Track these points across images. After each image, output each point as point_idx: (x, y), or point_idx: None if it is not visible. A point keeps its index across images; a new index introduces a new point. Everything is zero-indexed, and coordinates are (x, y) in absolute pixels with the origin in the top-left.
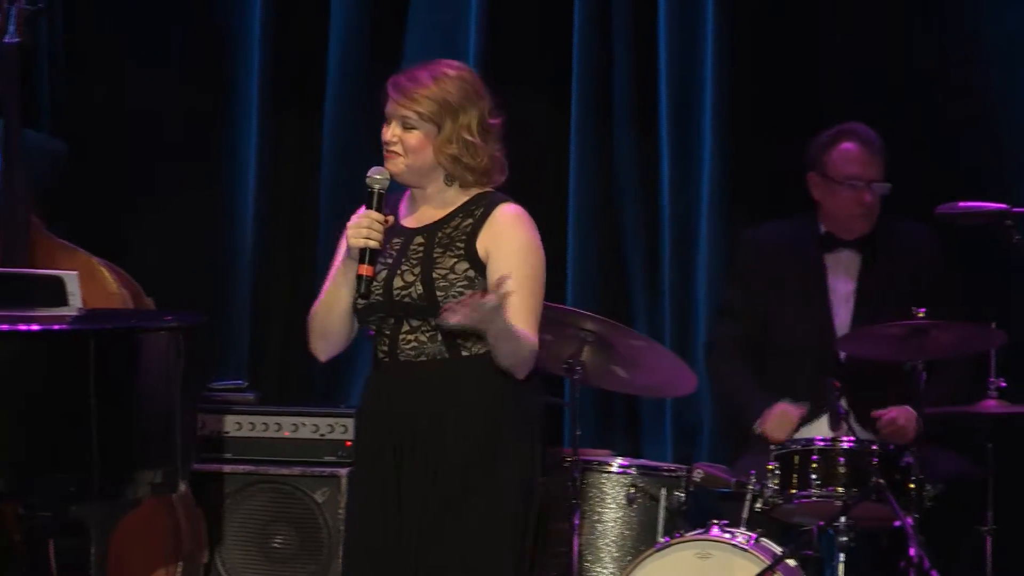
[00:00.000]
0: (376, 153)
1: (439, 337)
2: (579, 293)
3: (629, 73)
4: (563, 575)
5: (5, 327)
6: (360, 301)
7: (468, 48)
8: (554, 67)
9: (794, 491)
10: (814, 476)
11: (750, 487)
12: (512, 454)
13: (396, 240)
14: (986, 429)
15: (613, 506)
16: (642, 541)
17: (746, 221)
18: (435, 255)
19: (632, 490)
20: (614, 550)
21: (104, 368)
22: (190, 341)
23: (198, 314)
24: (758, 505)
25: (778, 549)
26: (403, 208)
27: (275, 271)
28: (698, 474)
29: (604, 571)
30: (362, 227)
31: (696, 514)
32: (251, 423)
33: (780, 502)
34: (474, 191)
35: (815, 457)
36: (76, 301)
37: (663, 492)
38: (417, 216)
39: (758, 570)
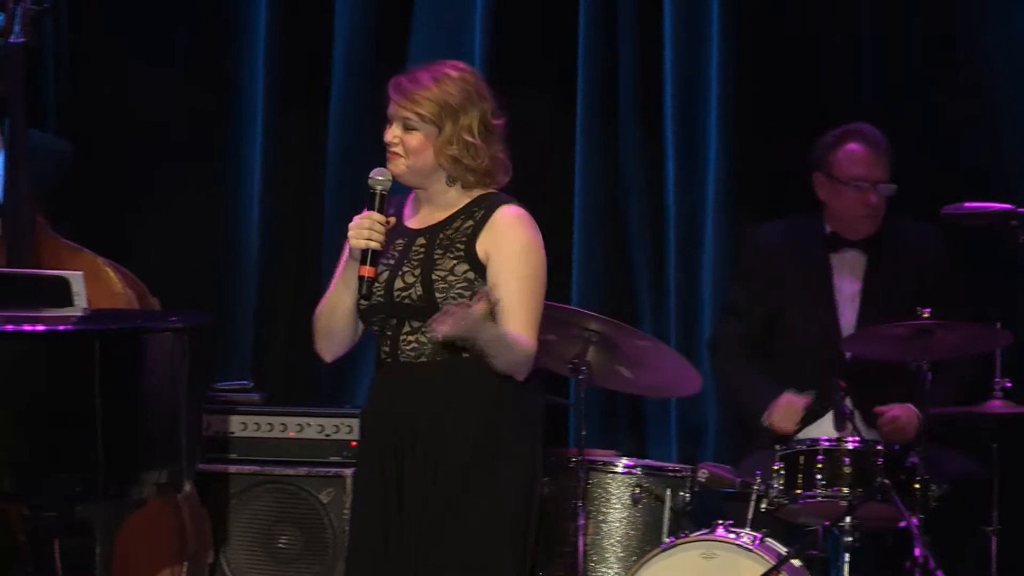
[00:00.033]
0: (381, 153)
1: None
2: (584, 293)
3: (634, 73)
4: (568, 575)
5: (10, 327)
6: (362, 302)
7: (473, 48)
8: (559, 67)
9: (799, 491)
10: (819, 476)
11: (755, 487)
12: (512, 454)
13: (399, 241)
14: (991, 429)
15: (618, 506)
16: (647, 541)
17: (751, 221)
18: (435, 257)
19: (637, 490)
20: (619, 550)
21: (109, 368)
22: (195, 341)
23: (203, 314)
24: (763, 505)
25: (783, 549)
26: (408, 209)
27: (280, 271)
28: (703, 474)
29: (609, 571)
30: (363, 228)
31: (701, 514)
32: (256, 423)
33: (785, 502)
34: (477, 192)
35: (820, 457)
36: (81, 301)
37: (668, 492)
38: (421, 217)
39: (763, 570)
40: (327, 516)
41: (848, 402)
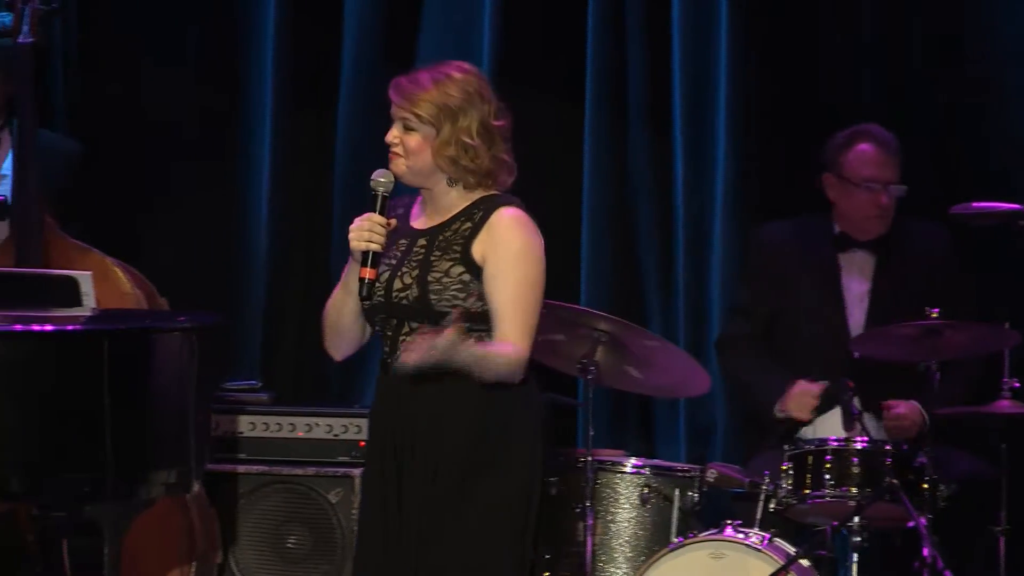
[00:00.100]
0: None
1: (450, 323)
2: (593, 293)
3: (643, 73)
4: (577, 575)
5: (19, 327)
6: (365, 303)
7: (482, 48)
8: (568, 67)
9: (808, 491)
10: (828, 476)
11: (764, 487)
12: (512, 454)
13: (403, 241)
14: (1000, 429)
15: (627, 506)
16: (656, 541)
17: (760, 221)
18: (433, 258)
19: (646, 490)
20: (628, 550)
21: (118, 368)
22: (204, 341)
23: (212, 314)
24: (772, 505)
25: (792, 549)
26: (415, 209)
27: (289, 271)
28: (712, 474)
29: (618, 571)
30: (363, 230)
31: (710, 514)
32: (265, 423)
33: (794, 502)
34: (478, 194)
35: (829, 457)
36: (90, 301)
37: (677, 492)
38: (425, 218)
39: (772, 570)
40: (336, 516)
41: (856, 402)
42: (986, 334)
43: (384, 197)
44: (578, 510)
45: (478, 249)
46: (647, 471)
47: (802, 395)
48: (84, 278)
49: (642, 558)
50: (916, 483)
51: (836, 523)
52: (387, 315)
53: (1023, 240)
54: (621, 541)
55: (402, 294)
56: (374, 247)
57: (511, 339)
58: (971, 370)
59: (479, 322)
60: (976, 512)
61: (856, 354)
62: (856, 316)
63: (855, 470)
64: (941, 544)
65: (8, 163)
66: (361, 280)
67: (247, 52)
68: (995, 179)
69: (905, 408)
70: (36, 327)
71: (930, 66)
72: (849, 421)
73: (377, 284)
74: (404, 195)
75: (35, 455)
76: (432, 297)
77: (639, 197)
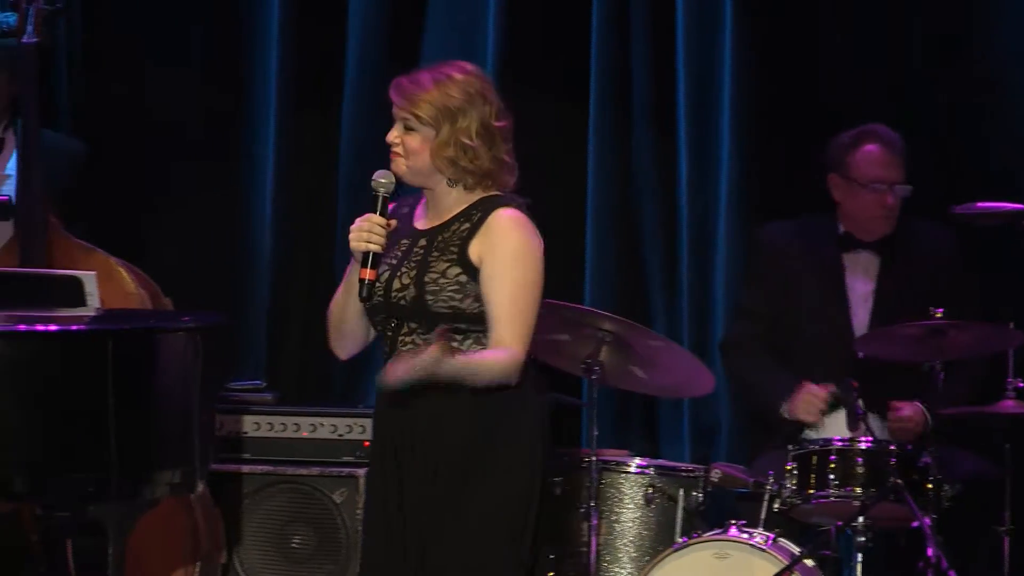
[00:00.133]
0: None
1: (434, 339)
2: (597, 293)
3: (647, 73)
4: (581, 575)
5: (23, 327)
6: (365, 304)
7: (486, 48)
8: (572, 67)
9: (812, 491)
10: (832, 476)
11: (768, 487)
12: (510, 455)
13: (405, 241)
14: (1004, 429)
15: (631, 506)
16: (660, 541)
17: (764, 221)
18: (430, 259)
19: (650, 490)
20: (632, 550)
21: (122, 368)
22: (208, 341)
23: (216, 314)
24: (776, 505)
25: (796, 549)
26: (419, 210)
27: (293, 271)
28: (716, 474)
29: (622, 571)
30: (363, 231)
31: (714, 514)
32: (269, 423)
33: (798, 502)
34: (478, 194)
35: (833, 457)
36: (94, 301)
37: (681, 492)
38: (427, 219)
39: (776, 570)
40: (340, 516)
41: (861, 402)
42: (990, 334)
43: (385, 198)
44: (582, 510)
45: (475, 250)
46: (651, 471)
47: (809, 398)
48: (88, 278)
49: (646, 558)
50: (920, 483)
51: (840, 523)
52: (387, 315)
53: None
54: (625, 541)
55: (400, 294)
56: (373, 248)
57: (505, 341)
58: (975, 370)
59: (476, 323)
60: (980, 512)
61: (860, 354)
62: (860, 316)
63: (859, 470)
64: (945, 544)
65: (12, 163)
66: (361, 281)
67: (251, 52)
68: (997, 179)
69: (909, 410)
70: (40, 327)
71: (930, 66)
72: (853, 421)
73: (377, 284)
74: (410, 195)
75: (39, 455)
76: (428, 298)
77: (643, 197)
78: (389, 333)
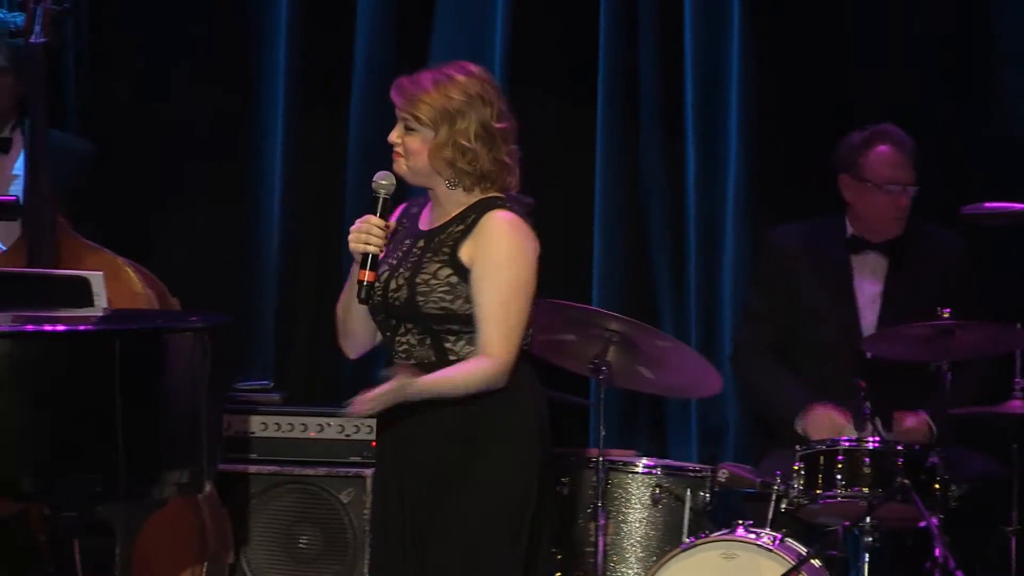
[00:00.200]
0: None
1: (428, 340)
2: (604, 293)
3: (655, 72)
4: (588, 575)
5: (31, 327)
6: (364, 305)
7: (494, 47)
8: (580, 67)
9: (819, 491)
10: (839, 476)
11: (775, 487)
12: (508, 453)
13: (407, 242)
14: (1011, 430)
15: (638, 506)
16: (667, 541)
17: (772, 221)
18: (424, 260)
19: (657, 490)
20: (639, 550)
21: (130, 368)
22: (216, 341)
23: (224, 314)
24: (783, 505)
25: (803, 549)
26: (425, 211)
27: (301, 271)
28: (723, 474)
29: (629, 571)
30: (361, 233)
31: (721, 514)
32: (277, 423)
33: (805, 502)
34: (477, 196)
35: (840, 457)
36: (101, 301)
37: (688, 492)
38: (429, 219)
39: (783, 570)
40: (347, 516)
41: (868, 403)
42: (998, 334)
43: (385, 199)
44: (589, 510)
45: (466, 252)
46: (659, 471)
47: (830, 423)
48: (96, 278)
49: (653, 558)
50: (928, 483)
51: (848, 523)
52: (385, 315)
53: None
54: (633, 541)
55: (395, 295)
56: (371, 249)
57: (491, 344)
58: (982, 370)
59: (468, 324)
60: (988, 512)
61: (868, 354)
62: (868, 318)
63: (867, 470)
64: (952, 544)
65: (20, 163)
66: (359, 283)
67: (259, 52)
68: (998, 180)
69: (913, 422)
70: (48, 327)
71: (930, 66)
72: (861, 422)
73: (376, 285)
74: (422, 195)
75: (47, 455)
76: (419, 299)
77: (651, 197)
78: (388, 333)
